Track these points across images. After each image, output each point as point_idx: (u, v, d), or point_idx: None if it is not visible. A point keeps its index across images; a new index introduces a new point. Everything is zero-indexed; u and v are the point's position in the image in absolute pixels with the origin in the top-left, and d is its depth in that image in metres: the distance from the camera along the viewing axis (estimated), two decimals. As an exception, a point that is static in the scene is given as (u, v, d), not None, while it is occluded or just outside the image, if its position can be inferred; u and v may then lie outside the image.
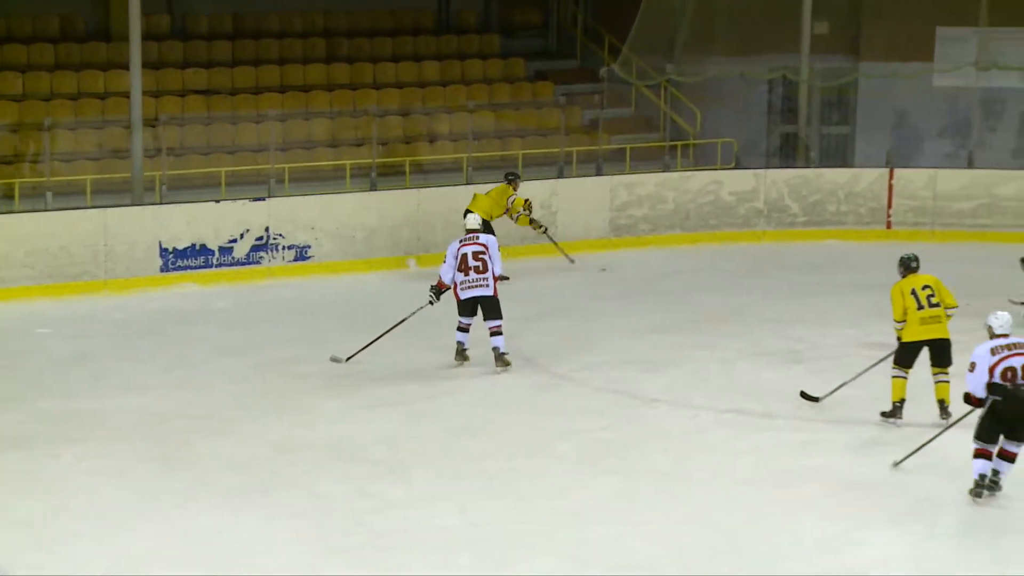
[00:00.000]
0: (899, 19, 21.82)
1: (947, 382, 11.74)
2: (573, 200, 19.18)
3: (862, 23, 22.51)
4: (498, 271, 13.50)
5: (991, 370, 9.95)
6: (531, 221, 17.79)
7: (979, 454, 10.05)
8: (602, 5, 23.24)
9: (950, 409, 11.60)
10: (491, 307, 13.43)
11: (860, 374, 12.39)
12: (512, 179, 17.84)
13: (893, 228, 20.05)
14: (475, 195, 17.73)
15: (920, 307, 11.75)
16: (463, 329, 13.56)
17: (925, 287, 11.80)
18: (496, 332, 13.42)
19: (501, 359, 13.41)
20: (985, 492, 10.02)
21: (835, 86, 22.39)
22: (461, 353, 13.58)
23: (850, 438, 11.64)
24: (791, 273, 18.01)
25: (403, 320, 13.91)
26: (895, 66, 21.68)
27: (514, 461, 11.03)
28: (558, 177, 19.45)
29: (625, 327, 15.13)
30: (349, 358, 13.59)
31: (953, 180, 20.16)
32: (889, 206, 20.09)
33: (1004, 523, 9.91)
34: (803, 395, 12.45)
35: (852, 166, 21.52)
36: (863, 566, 9.17)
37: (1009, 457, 10.07)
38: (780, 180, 20.26)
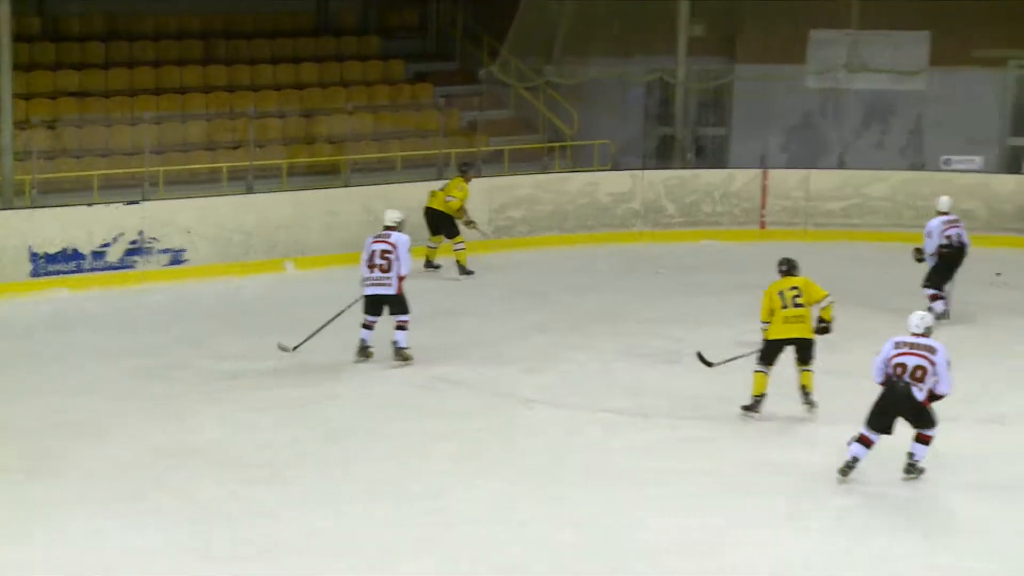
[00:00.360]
0: (773, 22, 22.12)
1: (810, 371, 12.08)
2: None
3: (737, 26, 22.79)
4: (404, 271, 13.54)
5: (888, 361, 10.43)
6: (462, 211, 18.02)
7: (858, 439, 10.45)
8: (481, 7, 23.28)
9: (813, 397, 12.02)
10: (394, 305, 13.53)
11: (739, 357, 12.52)
12: (465, 170, 18.17)
13: (767, 228, 20.32)
14: (432, 192, 18.03)
15: (784, 307, 12.00)
16: (366, 326, 13.59)
17: (793, 288, 12.06)
18: (399, 327, 13.51)
19: (399, 354, 13.51)
20: (850, 474, 10.46)
21: (711, 88, 22.65)
22: (363, 351, 13.58)
23: (725, 435, 11.78)
24: (668, 273, 18.17)
25: (341, 312, 13.85)
26: (769, 68, 21.99)
27: (392, 463, 11.02)
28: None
29: (504, 328, 15.19)
30: (296, 347, 13.58)
31: (825, 180, 20.49)
32: (763, 206, 20.37)
33: (881, 518, 10.09)
34: (700, 357, 12.65)
35: (727, 167, 21.78)
36: (742, 563, 9.29)
37: (923, 440, 10.47)
38: (657, 181, 20.45)
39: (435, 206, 17.96)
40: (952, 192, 19.73)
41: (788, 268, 12.31)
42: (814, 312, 12.12)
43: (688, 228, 20.29)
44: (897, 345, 10.49)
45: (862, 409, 10.55)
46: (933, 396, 10.48)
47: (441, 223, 17.99)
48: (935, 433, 10.51)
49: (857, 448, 10.48)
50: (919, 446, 10.54)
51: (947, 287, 15.49)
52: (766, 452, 11.26)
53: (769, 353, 12.09)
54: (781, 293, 12.07)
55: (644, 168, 21.31)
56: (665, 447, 11.51)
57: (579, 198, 20.03)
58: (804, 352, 12.02)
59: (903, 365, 10.38)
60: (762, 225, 20.36)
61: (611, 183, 20.29)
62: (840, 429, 10.86)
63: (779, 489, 10.50)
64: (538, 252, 19.21)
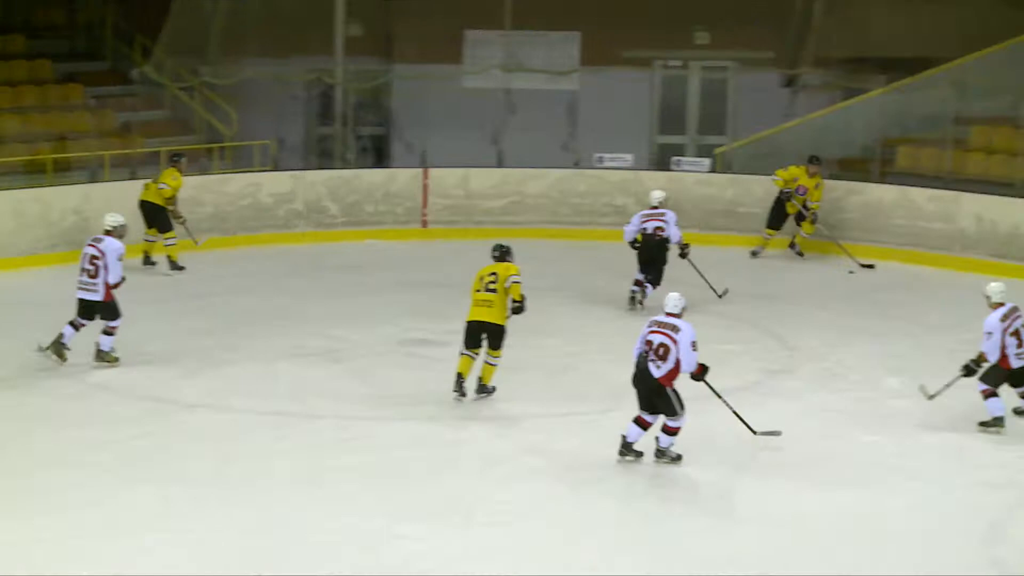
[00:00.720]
0: (429, 22, 22.32)
1: (492, 365, 12.38)
2: (108, 205, 18.53)
3: (393, 26, 22.91)
4: (111, 279, 13.25)
5: (642, 339, 10.81)
6: (174, 201, 17.72)
7: (634, 420, 10.89)
8: (131, 6, 22.68)
9: (490, 387, 12.41)
10: (103, 311, 13.28)
11: None
12: (177, 160, 17.92)
13: (429, 227, 20.48)
14: (146, 184, 17.71)
15: (478, 290, 12.37)
16: (72, 324, 13.28)
17: (492, 273, 12.39)
18: (106, 331, 13.30)
19: (99, 356, 13.30)
20: (628, 455, 10.92)
21: (369, 88, 22.69)
22: (56, 345, 13.20)
23: (392, 433, 11.81)
24: (331, 273, 18.10)
25: None
26: (427, 68, 22.20)
27: (44, 475, 10.62)
28: (91, 181, 18.86)
29: (162, 331, 14.82)
30: None
31: (484, 179, 20.78)
32: (424, 205, 20.52)
33: (539, 513, 10.27)
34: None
35: (389, 167, 21.86)
36: (403, 561, 9.30)
37: (668, 431, 10.85)
38: (318, 181, 20.35)
39: (149, 198, 17.64)
40: (606, 189, 20.51)
41: (500, 254, 12.59)
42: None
43: (351, 228, 20.25)
44: (650, 324, 10.85)
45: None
46: (694, 376, 10.83)
47: (156, 216, 17.68)
48: (681, 423, 10.79)
49: (630, 429, 10.86)
50: (664, 436, 10.85)
51: (645, 276, 15.95)
52: (429, 450, 11.34)
53: (467, 335, 12.39)
54: (482, 277, 12.41)
55: (305, 168, 21.20)
56: (331, 447, 11.45)
57: (239, 199, 19.76)
58: (493, 338, 12.32)
59: (650, 342, 10.75)
60: (424, 224, 20.50)
61: (272, 184, 20.09)
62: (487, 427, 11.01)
63: (440, 487, 10.57)
64: (200, 253, 18.78)
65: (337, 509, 10.08)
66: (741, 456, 11.25)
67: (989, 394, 11.70)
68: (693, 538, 9.74)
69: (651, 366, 10.72)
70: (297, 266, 18.50)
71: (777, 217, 19.08)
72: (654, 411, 10.85)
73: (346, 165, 21.40)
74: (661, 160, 21.96)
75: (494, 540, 9.63)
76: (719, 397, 11.22)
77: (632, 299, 15.90)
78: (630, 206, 20.48)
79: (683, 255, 16.03)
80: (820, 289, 17.26)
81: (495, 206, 20.66)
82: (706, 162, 20.99)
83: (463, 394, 12.44)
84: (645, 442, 10.94)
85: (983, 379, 11.75)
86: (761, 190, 20.23)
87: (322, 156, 22.68)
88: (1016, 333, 11.65)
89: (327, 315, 15.78)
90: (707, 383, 11.02)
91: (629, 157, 20.96)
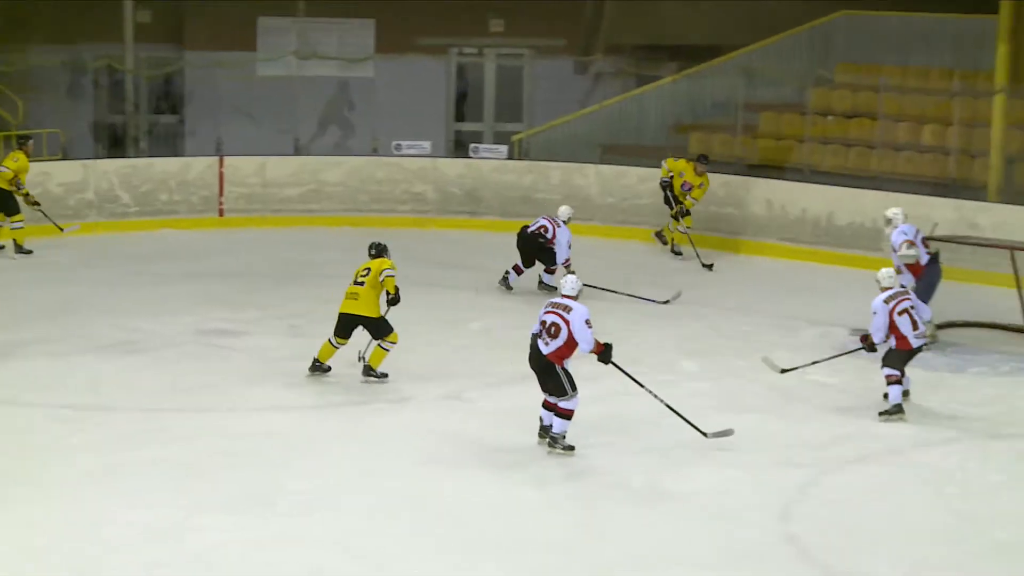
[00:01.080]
0: (220, 9, 22.03)
1: (384, 349, 12.62)
2: None
3: (184, 12, 22.55)
4: None
5: (539, 322, 10.88)
6: (17, 188, 17.43)
7: (543, 403, 11.01)
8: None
9: (379, 371, 12.66)
10: None
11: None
12: (23, 142, 17.71)
13: (226, 216, 20.21)
14: None
15: (351, 284, 12.68)
16: None
17: (366, 269, 12.65)
18: None
19: None
20: (542, 438, 10.99)
21: (161, 75, 22.30)
22: None
23: (191, 424, 11.63)
24: (125, 263, 17.75)
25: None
26: (220, 55, 21.91)
27: None
28: None
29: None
30: None
31: (281, 167, 20.59)
32: (221, 194, 20.24)
33: (339, 502, 10.24)
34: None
35: (183, 155, 21.51)
36: (203, 551, 9.18)
37: (546, 406, 10.95)
38: (110, 170, 19.91)
39: None
40: (404, 177, 20.52)
41: (376, 252, 12.83)
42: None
43: (145, 217, 19.88)
44: (546, 306, 10.95)
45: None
46: (599, 357, 10.89)
47: (2, 200, 17.36)
48: (572, 406, 10.81)
49: (543, 413, 11.00)
50: (557, 419, 10.87)
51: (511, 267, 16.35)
52: (229, 443, 11.22)
53: (337, 324, 12.68)
54: (356, 273, 12.72)
55: (96, 157, 20.74)
56: (129, 440, 11.22)
57: (30, 189, 19.16)
58: (371, 329, 12.61)
59: (543, 322, 10.83)
60: (221, 213, 20.23)
61: (62, 173, 19.57)
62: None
63: (236, 478, 10.44)
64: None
65: (135, 501, 9.88)
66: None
67: (895, 380, 11.88)
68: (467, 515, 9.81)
69: (540, 343, 10.82)
70: (90, 257, 18.08)
71: (674, 204, 18.55)
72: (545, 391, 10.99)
73: (139, 153, 21.00)
74: (459, 147, 22.03)
75: (296, 529, 9.55)
76: (641, 385, 11.26)
77: (504, 279, 16.39)
78: (429, 193, 20.61)
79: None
80: (620, 273, 17.46)
81: (293, 194, 20.49)
82: (503, 149, 21.12)
83: (316, 371, 12.78)
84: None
85: (887, 364, 11.93)
86: (558, 176, 20.48)
87: (113, 145, 22.21)
88: (906, 313, 11.89)
89: (122, 306, 15.47)
90: (616, 365, 11.04)
91: (427, 144, 20.98)
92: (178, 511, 9.73)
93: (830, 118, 20.74)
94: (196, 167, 20.32)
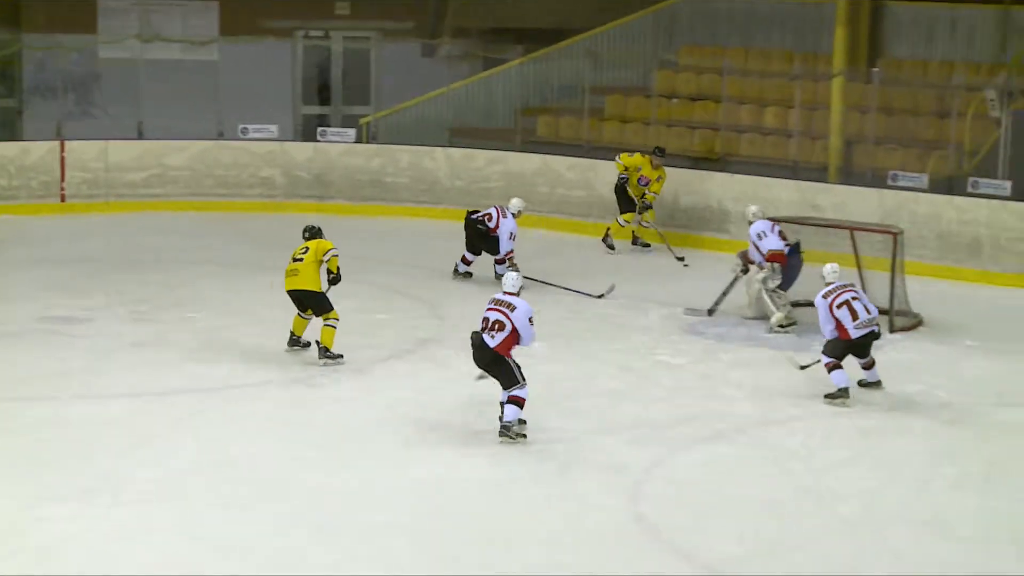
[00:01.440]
0: (58, -9, 21.63)
1: (330, 327, 12.73)
2: None
3: (21, -6, 22.07)
4: None
5: (483, 319, 11.06)
6: None
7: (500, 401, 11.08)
8: None
9: (334, 352, 12.74)
10: None
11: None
12: None
13: (68, 201, 19.80)
14: None
15: (289, 263, 12.93)
16: None
17: (304, 249, 12.93)
18: None
19: None
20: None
21: (-4, 58, 21.81)
22: None
23: (34, 414, 11.41)
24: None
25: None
26: (58, 38, 21.45)
27: None
28: None
29: None
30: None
31: (124, 151, 20.23)
32: (63, 179, 19.83)
33: (185, 491, 10.13)
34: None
35: (21, 139, 21.03)
36: (50, 542, 9.02)
37: (513, 401, 10.97)
38: (-55, 156, 19.44)
39: None
40: (251, 161, 20.33)
41: (311, 235, 13.09)
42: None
43: (-18, 203, 19.43)
44: (489, 302, 11.14)
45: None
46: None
47: None
48: (524, 393, 10.87)
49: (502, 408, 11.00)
50: (509, 407, 10.93)
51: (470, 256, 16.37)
52: (67, 430, 11.03)
53: (293, 302, 12.93)
54: (294, 253, 12.96)
55: (-71, 143, 20.20)
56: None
57: None
58: (312, 304, 12.82)
59: (486, 319, 11.00)
60: (62, 198, 19.81)
61: None
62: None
63: (88, 468, 10.29)
64: None
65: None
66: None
67: (833, 367, 12.06)
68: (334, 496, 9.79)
69: (485, 337, 10.94)
70: (-74, 245, 17.65)
71: (626, 202, 18.17)
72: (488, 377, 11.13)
73: (-25, 138, 20.50)
74: (307, 131, 21.86)
75: (143, 518, 9.42)
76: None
77: (455, 271, 16.44)
78: (276, 177, 20.43)
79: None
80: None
81: (136, 179, 20.16)
82: (351, 132, 21.00)
83: (294, 346, 13.06)
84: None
85: (826, 352, 12.12)
86: (407, 160, 20.44)
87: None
88: (845, 305, 12.08)
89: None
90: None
91: (274, 128, 20.78)
92: (22, 503, 9.54)
93: (675, 101, 20.97)
94: (36, 151, 19.86)
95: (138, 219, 19.39)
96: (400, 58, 22.92)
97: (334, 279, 12.95)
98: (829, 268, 12.49)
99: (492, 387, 11.18)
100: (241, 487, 9.98)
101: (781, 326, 14.32)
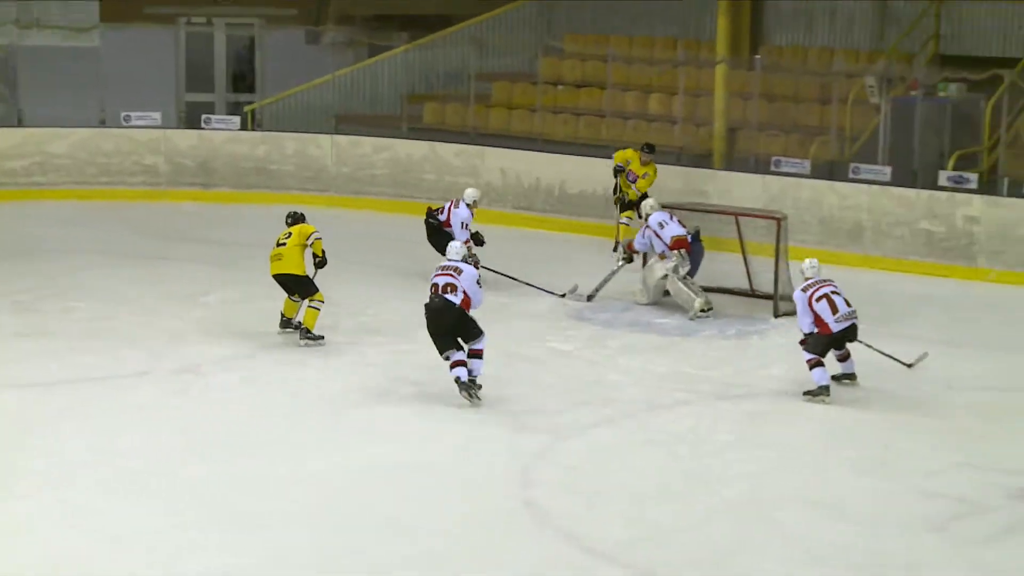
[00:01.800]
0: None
1: (314, 309, 13.00)
2: None
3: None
4: None
5: (431, 285, 11.52)
6: None
7: (451, 365, 11.45)
8: None
9: (315, 334, 13.02)
10: None
11: None
12: None
13: (-55, 190, 19.49)
14: None
15: (273, 248, 13.17)
16: None
17: (288, 234, 13.18)
18: None
19: None
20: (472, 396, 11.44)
21: None
22: None
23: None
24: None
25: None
26: (-64, 25, 21.10)
27: None
28: None
29: None
30: None
31: (4, 139, 19.96)
32: (-60, 168, 19.50)
33: (73, 479, 10.02)
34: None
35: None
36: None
37: (476, 355, 11.52)
38: None
39: None
40: (133, 149, 20.12)
41: (293, 220, 13.34)
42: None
43: None
44: (436, 269, 11.61)
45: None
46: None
47: None
48: (484, 345, 11.46)
49: (459, 371, 11.38)
50: (474, 361, 11.47)
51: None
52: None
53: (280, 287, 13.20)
54: (279, 238, 13.22)
55: None
56: None
57: None
58: (296, 287, 13.08)
59: (436, 285, 11.44)
60: (-61, 187, 19.49)
61: None
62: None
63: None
64: None
65: None
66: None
67: (815, 364, 11.97)
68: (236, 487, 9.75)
69: (449, 296, 11.32)
70: None
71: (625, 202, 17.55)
72: (459, 346, 11.40)
73: None
74: (191, 118, 21.65)
75: (32, 510, 9.32)
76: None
77: None
78: (160, 165, 20.25)
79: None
80: (363, 248, 17.38)
81: (17, 167, 19.88)
82: (236, 120, 20.85)
83: (286, 328, 13.24)
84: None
85: (807, 349, 12.04)
86: (293, 147, 20.36)
87: None
88: (825, 299, 11.99)
89: None
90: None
91: (157, 115, 20.57)
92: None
93: (560, 87, 21.08)
94: (-89, 140, 19.54)
95: (19, 208, 19.11)
96: (284, 45, 22.82)
97: (320, 262, 13.23)
98: (808, 263, 12.40)
99: (386, 377, 11.18)
100: (130, 477, 9.89)
101: (703, 311, 14.47)
